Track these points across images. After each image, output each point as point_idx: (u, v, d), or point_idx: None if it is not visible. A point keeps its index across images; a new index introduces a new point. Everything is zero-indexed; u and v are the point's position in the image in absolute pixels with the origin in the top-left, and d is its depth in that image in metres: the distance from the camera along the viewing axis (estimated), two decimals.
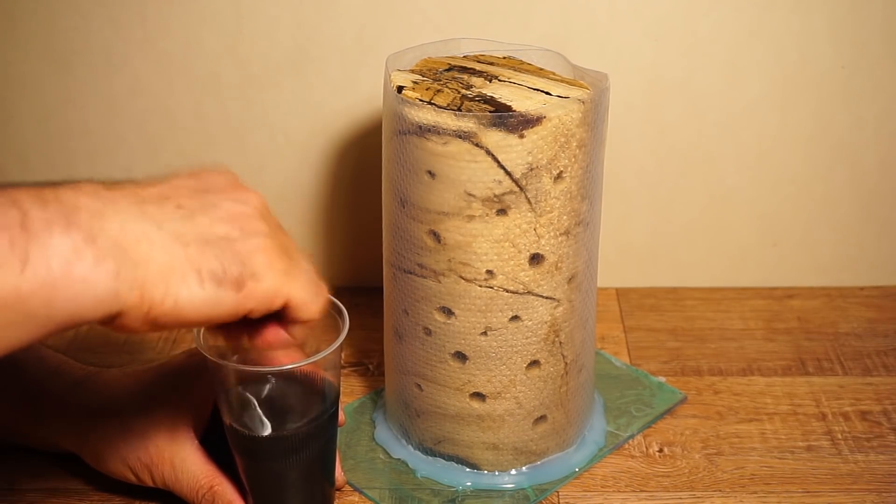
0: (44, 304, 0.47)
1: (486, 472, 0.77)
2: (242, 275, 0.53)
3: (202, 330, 0.67)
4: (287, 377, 0.68)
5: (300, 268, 0.57)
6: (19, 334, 0.48)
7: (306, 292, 0.56)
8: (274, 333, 0.58)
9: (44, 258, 0.47)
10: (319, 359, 0.65)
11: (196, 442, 0.71)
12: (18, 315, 0.47)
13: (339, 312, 0.68)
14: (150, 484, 0.71)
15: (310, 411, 0.69)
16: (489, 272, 0.70)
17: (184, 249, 0.51)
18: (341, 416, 0.74)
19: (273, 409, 0.69)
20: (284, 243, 0.57)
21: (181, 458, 0.70)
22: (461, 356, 0.74)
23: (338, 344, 0.66)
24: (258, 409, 0.69)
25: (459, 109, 0.67)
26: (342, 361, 0.90)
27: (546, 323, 0.73)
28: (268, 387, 0.69)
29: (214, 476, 0.70)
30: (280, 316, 0.57)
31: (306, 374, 0.69)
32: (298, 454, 0.68)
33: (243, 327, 0.59)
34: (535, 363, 0.74)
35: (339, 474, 0.74)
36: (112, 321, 0.51)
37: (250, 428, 0.67)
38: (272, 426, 0.68)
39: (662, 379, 0.88)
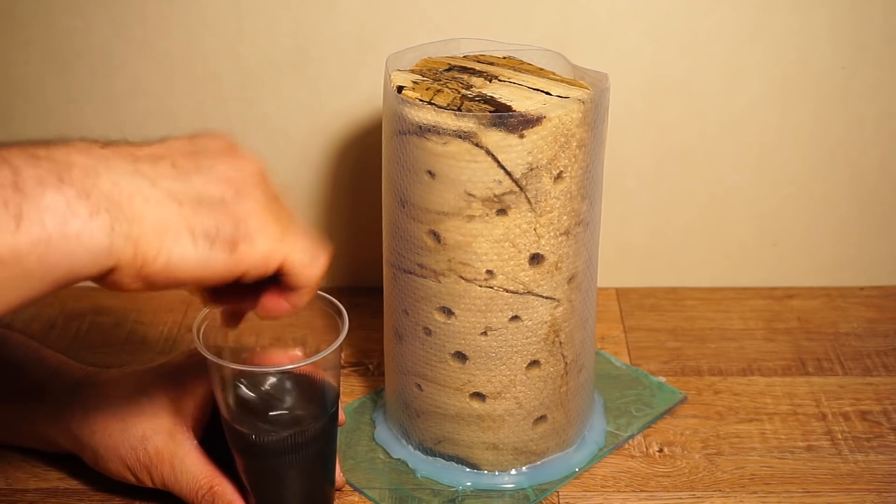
0: (40, 261, 0.48)
1: (486, 472, 0.77)
2: (235, 236, 0.53)
3: (201, 330, 0.67)
4: (287, 377, 0.68)
5: (297, 231, 0.57)
6: (18, 293, 0.48)
7: (303, 255, 0.56)
8: (273, 301, 0.58)
9: (38, 216, 0.47)
10: (319, 359, 0.65)
11: (195, 442, 0.71)
12: (16, 274, 0.47)
13: (339, 313, 0.68)
14: (150, 484, 0.71)
15: (310, 411, 0.69)
16: (489, 272, 0.70)
17: (178, 208, 0.51)
18: (341, 416, 0.74)
19: (273, 409, 0.69)
20: (281, 206, 0.57)
21: (180, 458, 0.70)
22: (461, 356, 0.74)
23: (338, 344, 0.66)
24: (258, 409, 0.69)
25: (459, 109, 0.67)
26: (342, 361, 0.90)
27: (546, 323, 0.73)
28: (268, 387, 0.69)
29: (214, 476, 0.70)
30: (280, 284, 0.57)
31: (306, 374, 0.69)
32: (298, 454, 0.68)
33: (244, 295, 0.59)
34: (535, 363, 0.74)
35: (338, 474, 0.74)
36: (106, 277, 0.50)
37: (250, 428, 0.68)
38: (272, 426, 0.68)
39: (662, 379, 0.88)
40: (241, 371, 0.67)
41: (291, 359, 0.69)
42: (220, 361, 0.66)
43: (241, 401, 0.68)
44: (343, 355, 0.91)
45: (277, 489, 0.69)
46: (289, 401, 0.70)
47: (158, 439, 0.70)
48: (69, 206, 0.48)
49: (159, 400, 0.71)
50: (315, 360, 0.65)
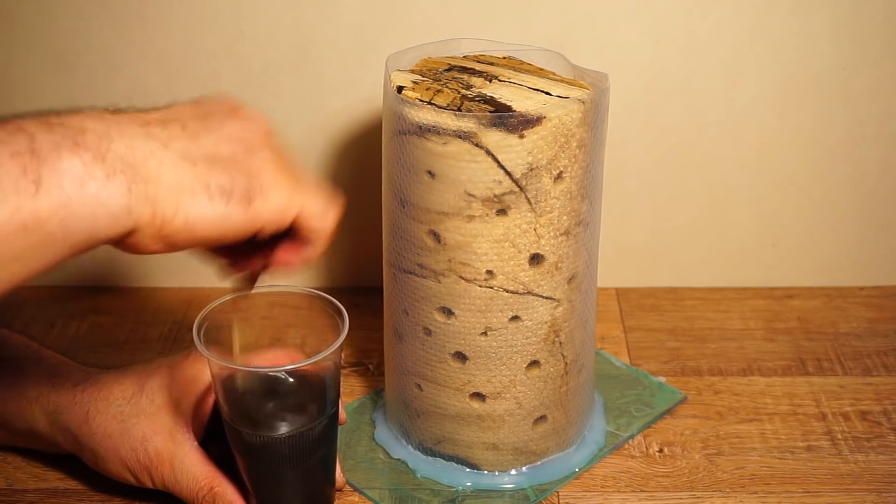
0: (61, 224, 0.48)
1: (486, 472, 0.77)
2: (250, 190, 0.54)
3: (202, 330, 0.67)
4: (287, 377, 0.68)
5: (308, 183, 0.58)
6: (41, 259, 0.48)
7: (316, 205, 0.57)
8: (287, 254, 0.59)
9: (56, 179, 0.48)
10: (319, 359, 0.65)
11: (195, 443, 0.70)
12: (38, 239, 0.48)
13: (339, 313, 0.68)
14: (150, 485, 0.71)
15: (310, 412, 0.69)
16: (489, 272, 0.70)
17: (192, 167, 0.52)
18: (342, 415, 0.74)
19: (274, 409, 0.69)
20: (290, 162, 0.58)
21: (180, 459, 0.70)
22: (461, 356, 0.74)
23: (338, 344, 0.66)
24: (258, 409, 0.69)
25: (459, 109, 0.67)
26: (342, 361, 0.90)
27: (546, 323, 0.73)
28: (268, 387, 0.69)
29: (214, 477, 0.70)
30: (292, 239, 0.58)
31: (306, 374, 0.69)
32: (299, 454, 0.68)
33: (257, 255, 0.60)
34: (535, 363, 0.74)
35: (338, 475, 0.74)
36: (126, 239, 0.51)
37: (250, 428, 0.67)
38: (272, 427, 0.68)
39: (662, 379, 0.88)
40: (241, 371, 0.67)
41: (291, 359, 0.69)
42: (221, 361, 0.66)
43: (242, 401, 0.68)
44: (343, 355, 0.91)
45: (278, 489, 0.69)
46: (289, 401, 0.70)
47: (158, 440, 0.70)
48: (86, 169, 0.49)
49: (159, 400, 0.71)
50: (315, 360, 0.65)
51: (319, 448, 0.69)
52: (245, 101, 0.60)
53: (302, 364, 0.66)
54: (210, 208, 0.52)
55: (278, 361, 0.69)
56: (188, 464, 0.70)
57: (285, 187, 0.56)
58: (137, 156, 0.51)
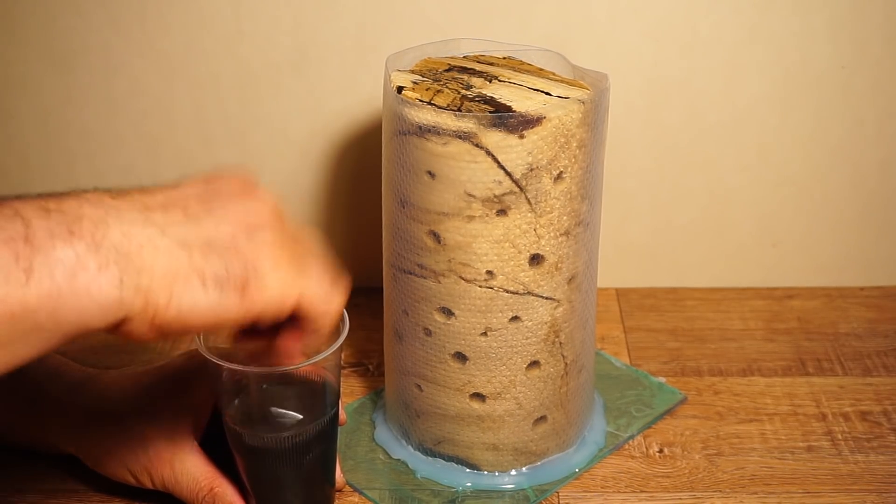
0: (50, 315, 0.48)
1: (486, 472, 0.77)
2: (246, 277, 0.53)
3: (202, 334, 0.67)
4: (287, 378, 0.68)
5: (312, 269, 0.56)
6: (29, 347, 0.48)
7: (320, 287, 0.56)
8: (288, 343, 0.59)
9: (48, 269, 0.47)
10: (320, 359, 0.65)
11: (196, 444, 0.70)
12: (27, 327, 0.47)
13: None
14: (150, 486, 0.71)
15: (310, 412, 0.69)
16: (489, 272, 0.70)
17: (187, 254, 0.51)
18: (342, 416, 0.74)
19: (273, 409, 0.69)
20: (296, 244, 0.56)
21: (181, 459, 0.70)
22: (461, 357, 0.73)
23: (338, 345, 0.66)
24: (258, 409, 0.69)
25: (459, 110, 0.67)
26: (342, 362, 0.90)
27: (546, 323, 0.73)
28: (268, 387, 0.69)
29: (215, 478, 0.70)
30: (296, 327, 0.57)
31: (307, 374, 0.69)
32: (299, 455, 0.68)
33: (263, 335, 0.59)
34: (535, 363, 0.74)
35: (338, 475, 0.74)
36: (118, 328, 0.51)
37: (250, 429, 0.67)
38: (272, 427, 0.68)
39: (662, 379, 0.88)
40: (241, 372, 0.67)
41: (291, 359, 0.69)
42: (221, 362, 0.65)
43: (242, 402, 0.68)
44: (343, 355, 0.91)
45: (278, 490, 0.69)
46: (289, 401, 0.69)
47: (158, 441, 0.70)
48: (79, 260, 0.48)
49: (159, 401, 0.71)
50: (315, 360, 0.65)
51: (319, 449, 0.69)
52: (258, 179, 0.59)
53: (302, 365, 0.65)
54: (204, 297, 0.51)
55: (278, 362, 0.69)
56: (188, 464, 0.70)
57: (285, 273, 0.54)
58: (133, 244, 0.50)
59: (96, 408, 0.72)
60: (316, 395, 0.69)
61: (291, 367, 0.65)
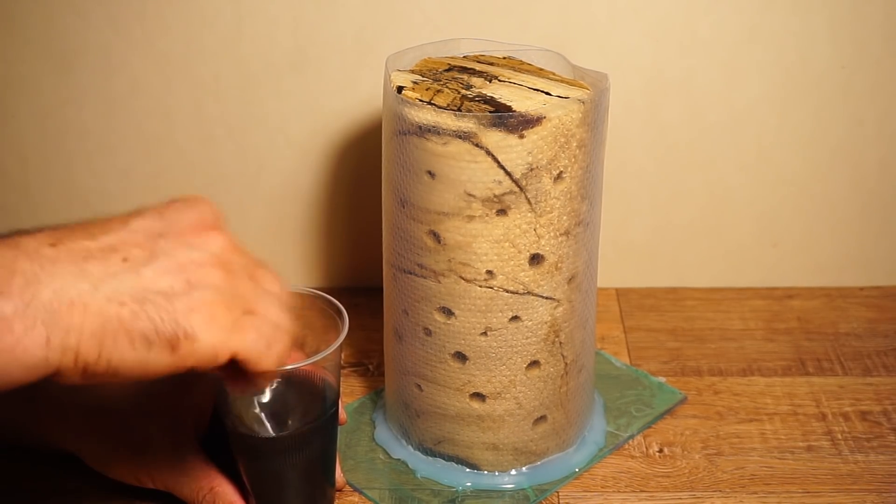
0: None
1: (486, 472, 0.77)
2: (176, 334, 0.52)
3: None
4: (287, 378, 0.68)
5: (251, 321, 0.55)
6: None
7: (254, 345, 0.54)
8: (234, 383, 0.58)
9: None
10: (319, 359, 0.65)
11: (196, 444, 0.70)
12: None
13: (339, 313, 0.68)
14: (151, 486, 0.71)
15: (310, 412, 0.69)
16: (489, 272, 0.70)
17: (118, 311, 0.51)
18: (342, 415, 0.74)
19: (273, 409, 0.69)
20: (240, 292, 0.55)
21: (181, 459, 0.70)
22: (461, 356, 0.73)
23: (338, 344, 0.66)
24: (258, 409, 0.69)
25: (459, 110, 0.67)
26: (342, 362, 0.90)
27: (546, 323, 0.73)
28: (268, 387, 0.69)
29: (215, 477, 0.70)
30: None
31: (306, 374, 0.69)
32: (299, 455, 0.68)
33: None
34: (535, 363, 0.74)
35: (339, 475, 0.74)
36: (51, 378, 0.51)
37: (251, 429, 0.67)
38: (273, 427, 0.68)
39: (662, 379, 0.88)
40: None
41: (291, 359, 0.69)
42: None
43: (242, 402, 0.68)
44: (343, 355, 0.91)
45: (278, 490, 0.69)
46: (289, 401, 0.69)
47: (159, 441, 0.70)
48: (5, 320, 0.48)
49: (159, 401, 0.71)
50: (315, 360, 0.65)
51: (319, 448, 0.69)
52: (216, 206, 0.57)
53: (302, 364, 0.65)
54: (132, 354, 0.51)
55: None
56: (188, 464, 0.70)
57: (219, 328, 0.53)
58: (63, 302, 0.50)
59: (97, 408, 0.72)
60: (316, 395, 0.69)
61: (291, 367, 0.65)
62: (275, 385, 0.69)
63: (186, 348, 0.52)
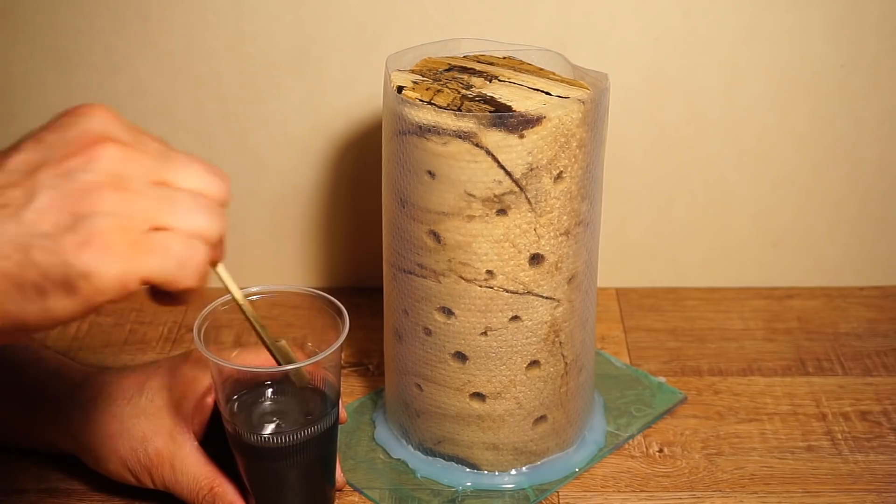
0: None
1: (486, 472, 0.77)
2: (69, 276, 0.47)
3: (202, 331, 0.67)
4: (288, 378, 0.68)
5: (157, 239, 0.49)
6: None
7: (163, 266, 0.49)
8: (162, 303, 0.52)
9: None
10: (320, 359, 0.65)
11: (196, 443, 0.70)
12: None
13: (339, 312, 0.68)
14: (150, 485, 0.71)
15: (310, 412, 0.69)
16: (489, 272, 0.70)
17: (3, 266, 0.47)
18: (342, 415, 0.74)
19: (273, 409, 0.69)
20: (140, 207, 0.49)
21: (181, 459, 0.70)
22: (461, 356, 0.74)
23: (338, 344, 0.66)
24: (258, 409, 0.69)
25: (459, 109, 0.67)
26: (342, 362, 0.90)
27: (546, 323, 0.73)
28: (268, 387, 0.70)
29: (215, 477, 0.70)
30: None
31: (307, 374, 0.69)
32: (299, 455, 0.68)
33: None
34: (535, 363, 0.74)
35: (339, 475, 0.74)
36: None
37: (251, 429, 0.68)
38: (273, 427, 0.68)
39: (662, 379, 0.88)
40: (241, 372, 0.67)
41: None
42: (221, 361, 0.66)
43: (242, 401, 0.68)
44: (343, 355, 0.91)
45: (278, 490, 0.69)
46: (289, 402, 0.70)
47: (158, 440, 0.70)
48: None
49: (159, 400, 0.71)
50: (316, 360, 0.65)
51: (319, 448, 0.69)
52: (108, 109, 0.53)
53: (302, 364, 0.66)
54: (30, 307, 0.48)
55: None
56: (188, 464, 0.70)
57: (116, 260, 0.48)
58: None
59: (96, 407, 0.72)
60: (316, 395, 0.69)
61: (291, 367, 0.65)
62: (275, 386, 0.70)
63: (87, 288, 0.47)
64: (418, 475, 0.78)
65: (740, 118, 0.94)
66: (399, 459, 0.79)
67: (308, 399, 0.69)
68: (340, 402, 0.72)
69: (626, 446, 0.81)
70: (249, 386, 0.69)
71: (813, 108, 0.94)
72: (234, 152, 0.96)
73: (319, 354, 0.66)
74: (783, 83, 0.93)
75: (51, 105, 0.94)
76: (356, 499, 0.76)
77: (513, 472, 0.77)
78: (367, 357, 0.91)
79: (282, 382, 0.69)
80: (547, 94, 0.69)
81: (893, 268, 1.01)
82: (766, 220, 0.99)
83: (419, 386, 0.76)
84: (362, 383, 0.88)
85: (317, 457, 0.70)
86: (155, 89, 0.93)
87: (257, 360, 0.69)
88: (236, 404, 0.68)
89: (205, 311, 0.67)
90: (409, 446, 0.80)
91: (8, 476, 0.77)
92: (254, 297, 0.69)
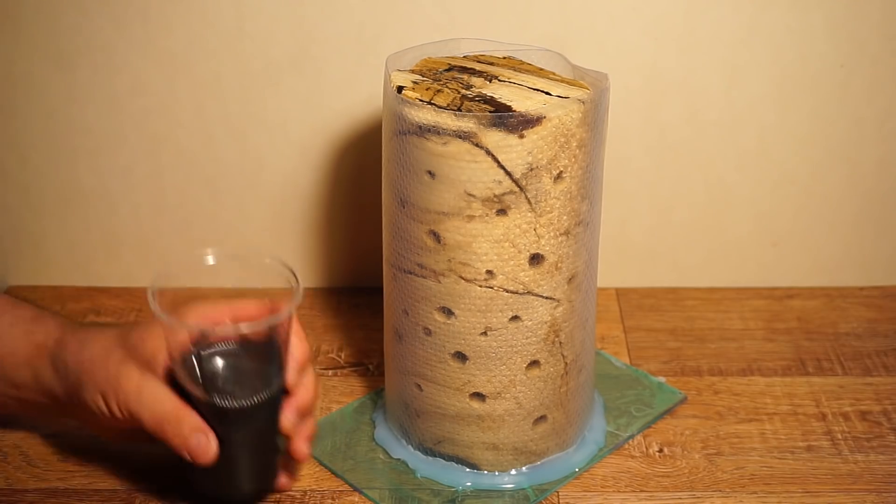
0: None
1: (486, 472, 0.77)
2: None
3: (156, 290, 0.67)
4: (241, 340, 0.68)
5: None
6: None
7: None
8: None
9: None
10: (272, 323, 0.66)
11: (165, 383, 0.70)
12: None
13: (293, 276, 0.68)
14: (118, 414, 0.70)
15: (260, 375, 0.69)
16: (489, 272, 0.70)
17: None
18: (290, 380, 0.73)
19: (222, 372, 0.69)
20: None
21: (150, 387, 0.69)
22: (461, 356, 0.74)
23: (290, 309, 0.67)
24: (209, 371, 0.69)
25: (459, 109, 0.67)
26: (342, 361, 0.90)
27: (546, 323, 0.73)
28: (218, 350, 0.69)
29: (179, 403, 0.69)
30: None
31: (256, 338, 0.68)
32: (246, 420, 0.68)
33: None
34: (535, 363, 0.74)
35: (303, 447, 0.72)
36: None
37: (203, 391, 0.68)
38: (220, 389, 0.68)
39: (662, 379, 0.88)
40: (190, 331, 0.68)
41: (248, 314, 0.69)
42: (171, 320, 0.66)
43: (190, 363, 0.68)
44: (343, 355, 0.91)
45: (224, 450, 0.69)
46: (239, 365, 0.70)
47: (132, 366, 0.70)
48: None
49: (136, 343, 0.71)
50: (268, 323, 0.66)
51: (265, 415, 0.69)
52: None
53: (252, 327, 0.66)
54: None
55: (235, 317, 0.69)
56: (155, 390, 0.69)
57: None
58: None
59: (91, 338, 0.73)
60: (265, 360, 0.69)
61: (244, 329, 0.65)
62: (224, 346, 0.70)
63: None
64: (418, 475, 0.78)
65: (740, 118, 0.94)
66: (399, 459, 0.79)
67: (257, 363, 0.69)
68: (290, 368, 0.71)
69: (626, 446, 0.81)
70: (201, 347, 0.69)
71: (813, 108, 0.94)
72: (234, 152, 0.96)
73: (271, 318, 0.66)
74: (783, 83, 0.93)
75: (51, 104, 0.95)
76: (356, 499, 0.76)
77: (513, 472, 0.77)
78: (367, 357, 0.91)
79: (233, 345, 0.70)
80: (547, 94, 0.69)
81: (893, 268, 1.01)
82: (766, 220, 0.99)
83: (419, 386, 0.76)
84: (362, 383, 0.89)
85: (263, 422, 0.70)
86: (155, 89, 0.93)
87: (212, 315, 0.69)
88: (186, 365, 0.68)
89: (159, 271, 0.68)
90: (409, 446, 0.80)
91: (8, 476, 0.77)
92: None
